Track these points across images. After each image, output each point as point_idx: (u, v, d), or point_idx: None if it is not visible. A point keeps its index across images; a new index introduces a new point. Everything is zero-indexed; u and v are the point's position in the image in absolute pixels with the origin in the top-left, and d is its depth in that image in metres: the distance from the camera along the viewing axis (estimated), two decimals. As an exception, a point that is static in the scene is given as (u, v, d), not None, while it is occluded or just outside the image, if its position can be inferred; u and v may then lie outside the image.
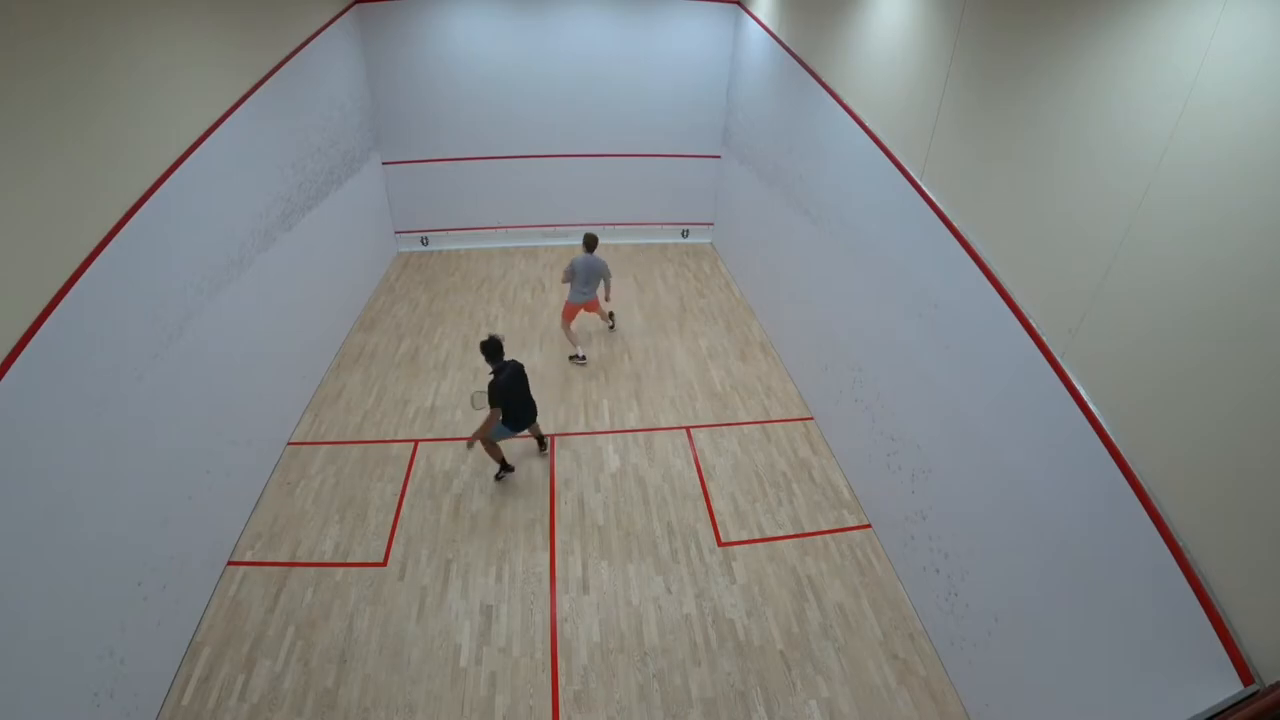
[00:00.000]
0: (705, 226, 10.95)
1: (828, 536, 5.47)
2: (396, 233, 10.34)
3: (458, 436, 6.47)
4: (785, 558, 5.26)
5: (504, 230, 10.60)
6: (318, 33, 7.24)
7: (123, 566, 3.89)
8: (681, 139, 10.07)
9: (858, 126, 5.58)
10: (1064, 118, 3.31)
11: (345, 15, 8.08)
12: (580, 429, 6.63)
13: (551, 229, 10.67)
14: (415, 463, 6.13)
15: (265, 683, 4.27)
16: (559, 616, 4.76)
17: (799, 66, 6.85)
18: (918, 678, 4.40)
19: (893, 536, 5.21)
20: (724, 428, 6.70)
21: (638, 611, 4.81)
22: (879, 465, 5.37)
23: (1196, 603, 2.58)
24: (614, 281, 9.82)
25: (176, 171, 4.58)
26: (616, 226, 10.76)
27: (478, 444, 5.67)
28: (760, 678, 4.39)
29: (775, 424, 6.77)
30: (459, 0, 8.76)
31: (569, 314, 7.55)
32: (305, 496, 5.72)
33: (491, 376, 5.41)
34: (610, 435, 6.56)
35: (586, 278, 7.31)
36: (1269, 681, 2.36)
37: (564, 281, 7.34)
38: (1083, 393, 3.20)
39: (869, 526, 5.56)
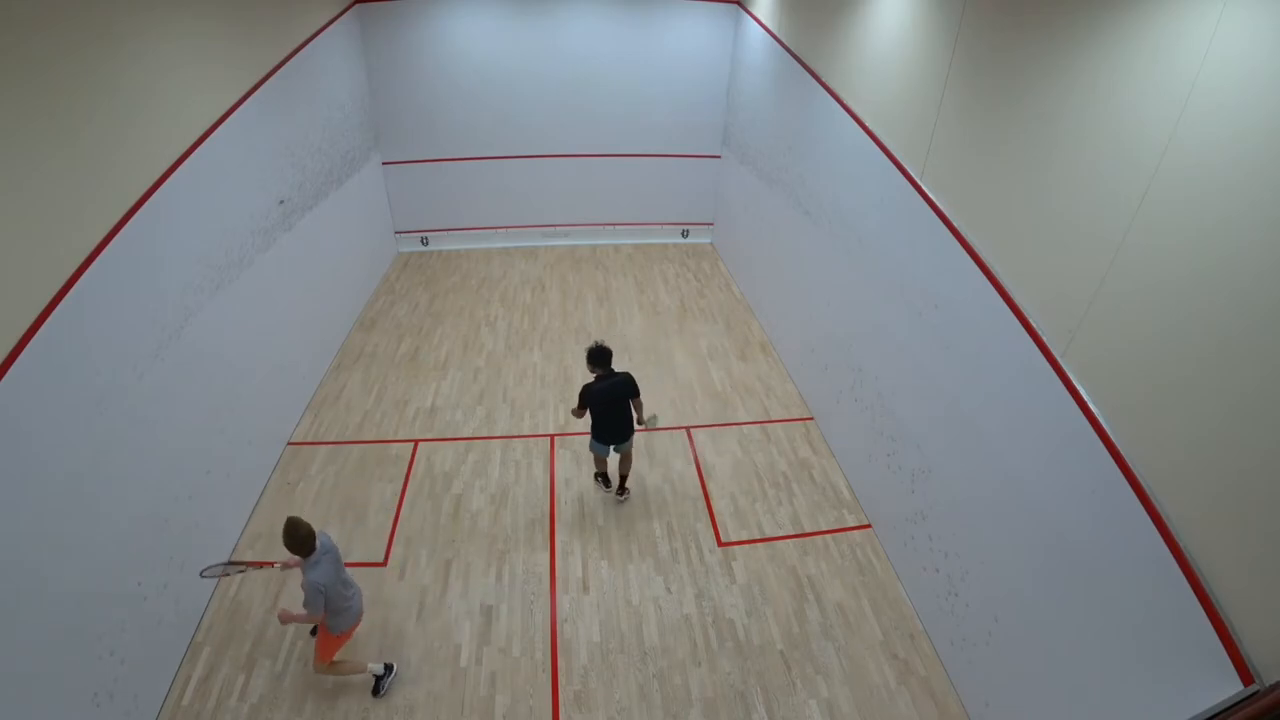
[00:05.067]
0: (705, 226, 10.95)
1: (828, 536, 5.47)
2: (396, 233, 10.34)
3: (459, 436, 6.47)
4: (785, 558, 5.26)
5: (504, 230, 10.60)
6: (318, 33, 7.24)
7: (123, 566, 3.89)
8: (681, 139, 10.07)
9: (858, 126, 5.58)
10: (1064, 118, 3.31)
11: (345, 15, 8.08)
12: (581, 429, 6.62)
13: (551, 229, 10.67)
14: (415, 463, 6.13)
15: (265, 683, 4.27)
16: (559, 616, 4.76)
17: (799, 66, 6.85)
18: (918, 678, 4.40)
19: (893, 536, 5.21)
20: (724, 428, 6.70)
21: (638, 611, 4.81)
22: (879, 465, 5.37)
23: (1196, 603, 2.58)
24: (615, 282, 9.82)
25: (177, 171, 4.58)
26: (616, 226, 10.76)
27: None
28: (760, 678, 4.39)
29: (775, 424, 6.77)
30: (459, 0, 8.76)
31: (334, 649, 4.04)
32: (305, 496, 5.72)
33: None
34: (610, 435, 6.55)
35: (341, 571, 3.95)
36: (1269, 681, 2.36)
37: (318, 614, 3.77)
38: (1083, 393, 3.20)
39: (869, 526, 5.56)
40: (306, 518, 5.42)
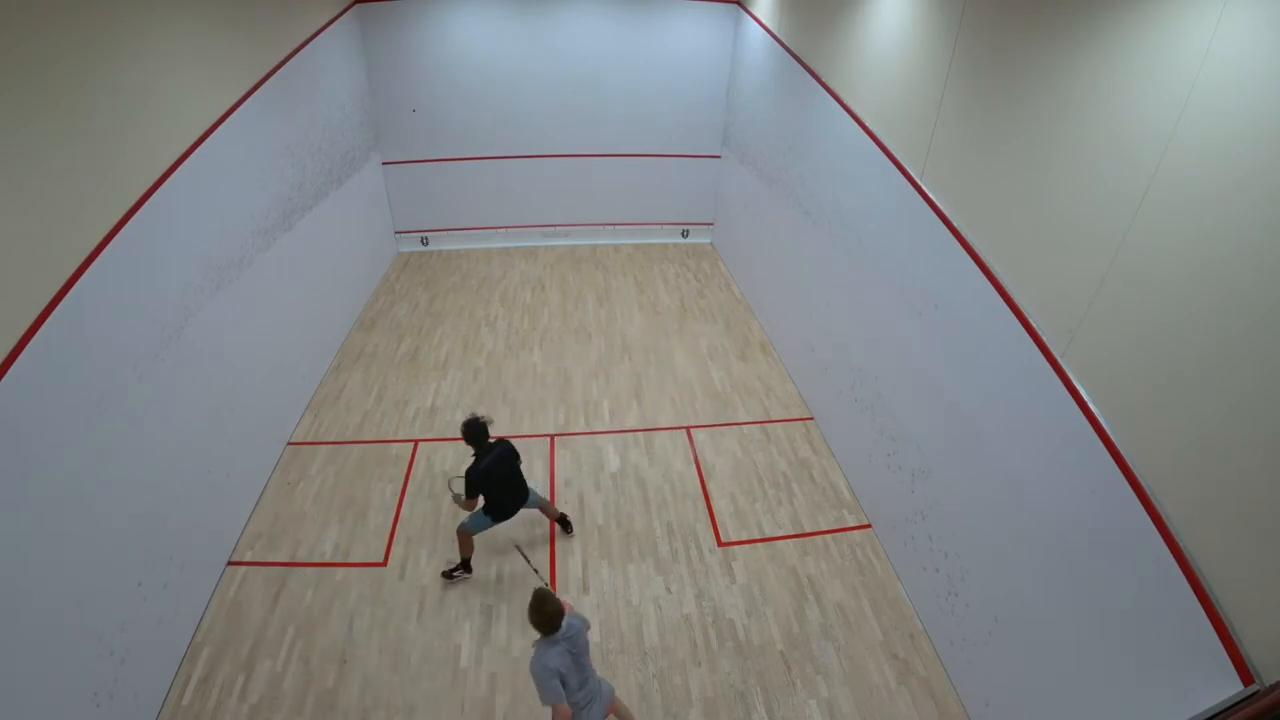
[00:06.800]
0: (705, 226, 10.95)
1: (828, 536, 5.47)
2: (396, 233, 10.34)
3: (457, 437, 6.46)
4: (785, 558, 5.26)
5: (504, 230, 10.60)
6: (318, 33, 7.24)
7: (123, 566, 3.89)
8: (681, 139, 10.07)
9: (858, 127, 5.58)
10: (1064, 118, 3.31)
11: (345, 15, 8.08)
12: (580, 429, 6.63)
13: (552, 229, 10.68)
14: (415, 463, 6.13)
15: (265, 683, 4.27)
16: (559, 616, 4.76)
17: (799, 66, 6.85)
18: (918, 678, 4.40)
19: (893, 536, 5.21)
20: (724, 428, 6.70)
21: (638, 611, 4.81)
22: (879, 465, 5.37)
23: (1196, 603, 2.58)
24: (615, 282, 9.78)
25: (177, 170, 4.58)
26: (616, 226, 10.77)
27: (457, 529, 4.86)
28: (760, 678, 4.39)
29: (775, 424, 6.77)
30: (459, 0, 8.76)
31: None
32: (305, 496, 5.72)
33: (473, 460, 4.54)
34: (610, 435, 6.55)
35: (580, 668, 3.39)
36: (1269, 681, 2.36)
37: (564, 713, 3.18)
38: (1083, 393, 3.20)
39: (869, 526, 5.56)
40: (307, 517, 5.48)
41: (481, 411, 4.61)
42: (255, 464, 5.73)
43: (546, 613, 3.21)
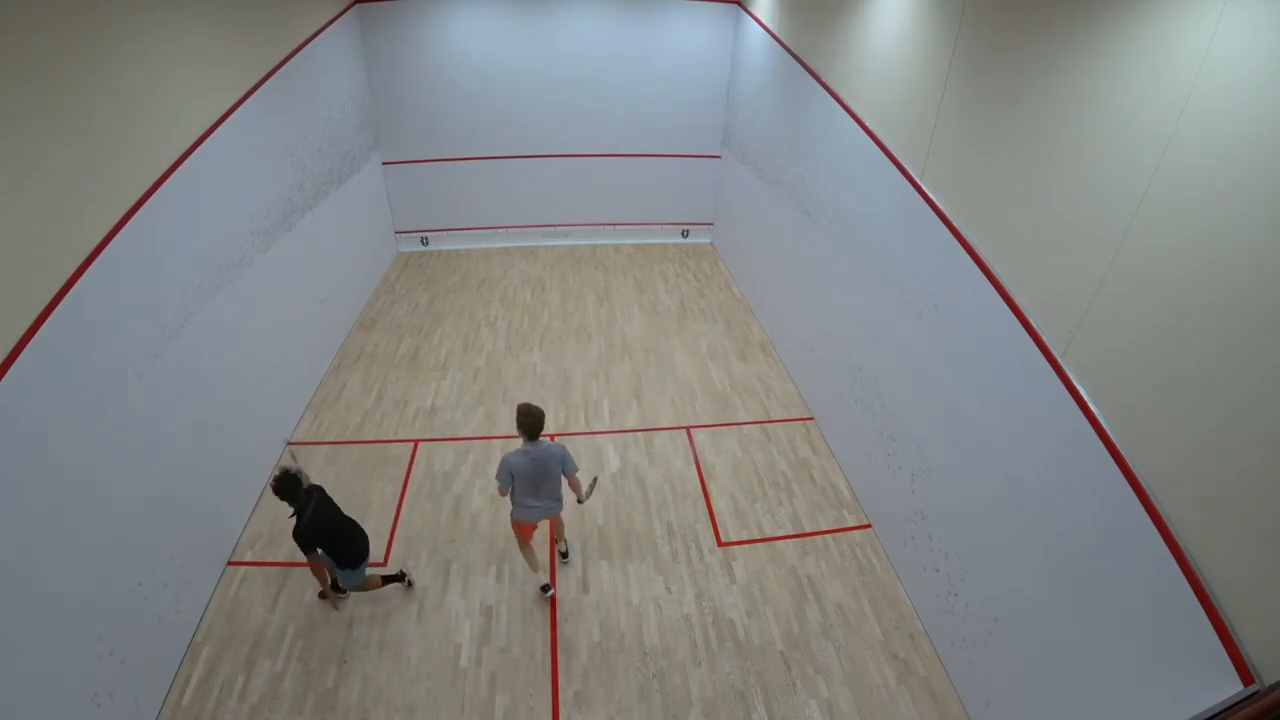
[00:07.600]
0: (705, 226, 10.95)
1: (828, 536, 5.47)
2: (396, 233, 10.34)
3: (458, 436, 6.47)
4: (785, 558, 5.26)
5: (504, 230, 10.60)
6: (318, 33, 7.24)
7: (123, 566, 3.89)
8: (681, 139, 10.07)
9: (858, 126, 5.58)
10: (1064, 118, 3.31)
11: (345, 15, 8.08)
12: (580, 429, 6.63)
13: (551, 229, 10.68)
14: (415, 463, 6.13)
15: (265, 683, 4.27)
16: (559, 616, 4.76)
17: (799, 66, 6.85)
18: (918, 678, 4.40)
19: (893, 536, 5.21)
20: (724, 428, 6.70)
21: (638, 611, 4.81)
22: (879, 465, 5.37)
23: (1196, 603, 2.58)
24: (615, 282, 9.74)
25: (177, 170, 4.58)
26: (616, 226, 10.77)
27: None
28: (760, 678, 4.39)
29: (775, 424, 6.77)
30: (459, 0, 8.76)
31: (521, 533, 4.68)
32: (305, 496, 5.71)
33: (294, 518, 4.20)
34: (610, 435, 6.56)
35: (536, 482, 4.35)
36: (1269, 681, 2.36)
37: (501, 493, 4.36)
38: (1083, 393, 3.20)
39: (869, 526, 5.56)
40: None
41: (293, 464, 4.19)
42: (255, 464, 5.73)
43: (529, 420, 4.15)
